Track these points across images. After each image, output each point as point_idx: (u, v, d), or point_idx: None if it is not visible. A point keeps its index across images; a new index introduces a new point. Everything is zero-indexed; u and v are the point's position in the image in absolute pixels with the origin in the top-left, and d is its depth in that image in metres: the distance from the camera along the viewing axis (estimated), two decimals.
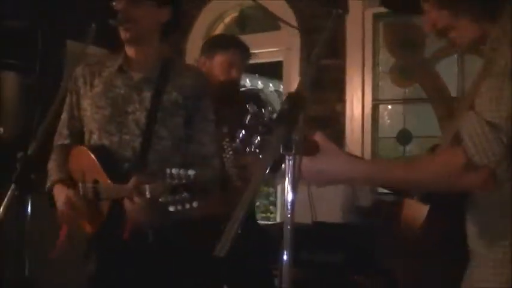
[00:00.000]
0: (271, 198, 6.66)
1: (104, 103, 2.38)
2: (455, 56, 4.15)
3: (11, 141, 3.88)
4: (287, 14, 4.60)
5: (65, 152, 2.48)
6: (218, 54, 3.07)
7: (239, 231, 1.09)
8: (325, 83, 4.36)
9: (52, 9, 4.15)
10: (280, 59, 4.87)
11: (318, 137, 1.53)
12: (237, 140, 1.43)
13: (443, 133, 1.82)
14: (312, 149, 1.49)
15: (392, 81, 4.44)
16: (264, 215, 6.71)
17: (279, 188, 5.23)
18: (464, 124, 1.47)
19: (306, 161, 1.47)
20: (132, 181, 2.10)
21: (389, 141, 4.48)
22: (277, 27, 4.79)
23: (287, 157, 1.31)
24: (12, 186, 1.94)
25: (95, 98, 2.41)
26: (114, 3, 2.31)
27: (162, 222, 2.12)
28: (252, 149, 1.42)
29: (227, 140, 2.93)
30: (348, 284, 3.60)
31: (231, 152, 2.93)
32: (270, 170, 1.25)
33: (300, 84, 1.40)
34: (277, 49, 4.83)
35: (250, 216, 3.29)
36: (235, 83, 3.12)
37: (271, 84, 7.34)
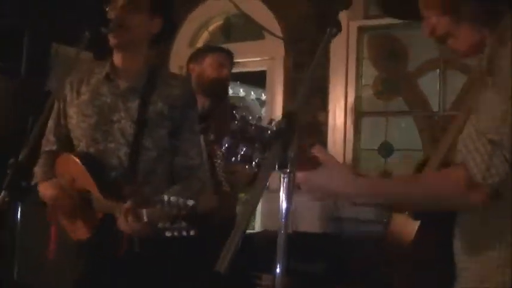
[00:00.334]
0: None
1: (91, 111, 2.38)
2: (437, 70, 4.21)
3: None
4: (272, 23, 4.63)
5: (52, 157, 2.48)
6: (208, 57, 3.40)
7: (239, 247, 1.10)
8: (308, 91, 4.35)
9: (40, 10, 4.13)
10: (264, 68, 4.88)
11: (318, 150, 1.50)
12: (223, 148, 1.43)
13: (435, 149, 1.81)
14: (312, 163, 1.46)
15: (375, 94, 4.47)
16: None
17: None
18: (465, 142, 1.45)
19: (307, 175, 1.45)
20: (129, 204, 2.13)
21: (371, 153, 4.47)
22: (261, 36, 4.81)
23: (282, 175, 1.30)
24: (3, 192, 1.92)
25: (81, 106, 2.41)
26: (107, 12, 2.32)
27: (154, 238, 2.14)
28: (238, 158, 1.41)
29: (216, 147, 3.03)
30: None
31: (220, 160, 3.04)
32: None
33: (296, 102, 1.40)
34: (261, 59, 4.85)
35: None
36: (226, 79, 3.42)
37: (252, 92, 7.35)
